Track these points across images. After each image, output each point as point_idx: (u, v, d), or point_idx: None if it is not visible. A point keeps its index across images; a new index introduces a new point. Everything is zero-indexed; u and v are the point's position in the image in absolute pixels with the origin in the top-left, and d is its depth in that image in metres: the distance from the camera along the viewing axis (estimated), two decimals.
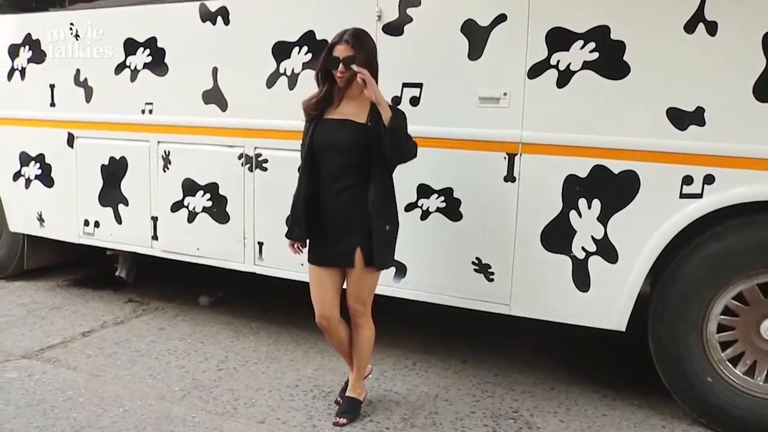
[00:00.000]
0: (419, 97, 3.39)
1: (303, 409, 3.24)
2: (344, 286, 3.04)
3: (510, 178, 3.24)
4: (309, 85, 3.05)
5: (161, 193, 4.26)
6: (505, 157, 3.24)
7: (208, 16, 3.94)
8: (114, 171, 4.43)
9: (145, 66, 4.20)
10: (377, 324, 3.11)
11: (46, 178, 4.76)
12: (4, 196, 5.03)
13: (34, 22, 4.71)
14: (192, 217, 4.16)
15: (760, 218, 2.91)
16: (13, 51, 4.78)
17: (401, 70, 3.42)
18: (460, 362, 3.84)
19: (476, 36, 3.24)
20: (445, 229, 3.42)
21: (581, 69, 3.05)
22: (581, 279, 3.17)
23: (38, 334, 4.17)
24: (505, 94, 3.21)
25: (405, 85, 3.42)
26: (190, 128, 4.08)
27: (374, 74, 2.84)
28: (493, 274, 3.35)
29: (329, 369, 3.66)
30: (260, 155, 3.87)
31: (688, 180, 2.94)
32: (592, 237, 3.13)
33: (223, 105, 3.95)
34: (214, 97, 3.97)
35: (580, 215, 3.14)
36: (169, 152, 4.19)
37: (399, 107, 3.00)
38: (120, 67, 4.29)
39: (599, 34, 3.00)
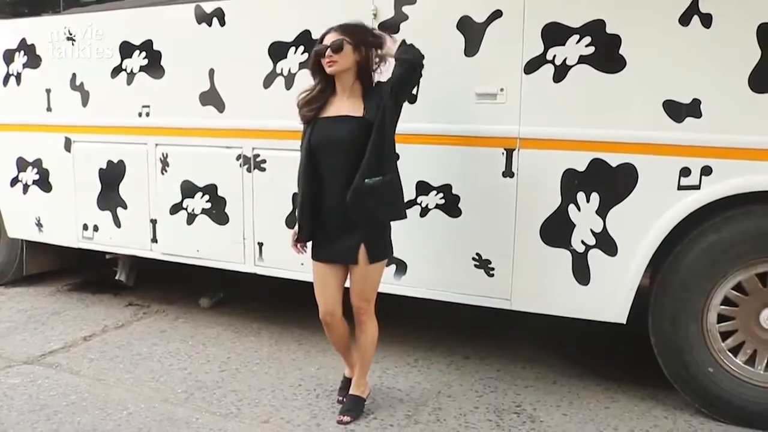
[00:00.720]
0: (416, 95, 3.39)
1: (306, 408, 3.24)
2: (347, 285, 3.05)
3: (508, 173, 3.25)
4: (306, 85, 3.05)
5: (160, 196, 4.27)
6: (503, 153, 3.25)
7: (203, 17, 3.94)
8: (112, 174, 4.43)
9: (142, 69, 4.20)
10: (378, 322, 3.12)
11: (43, 183, 4.76)
12: (1, 202, 5.02)
13: (29, 27, 4.71)
14: (191, 219, 4.16)
15: (758, 208, 2.93)
16: (8, 56, 4.78)
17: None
18: (462, 358, 3.85)
19: (472, 32, 3.26)
20: (445, 226, 3.43)
21: (577, 63, 3.06)
22: (581, 272, 3.19)
23: (39, 340, 4.17)
24: (502, 89, 3.22)
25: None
26: (188, 130, 4.09)
27: (365, 62, 2.89)
28: (493, 269, 3.36)
29: (332, 368, 3.67)
30: (258, 156, 3.87)
31: (685, 172, 2.95)
32: (592, 230, 3.14)
33: (220, 106, 3.96)
34: (212, 98, 3.97)
35: (579, 209, 3.15)
36: (167, 155, 4.19)
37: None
38: (116, 71, 4.29)
39: (595, 29, 3.02)
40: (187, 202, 4.16)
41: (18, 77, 4.76)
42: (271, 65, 3.75)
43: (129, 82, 4.26)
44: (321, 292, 3.02)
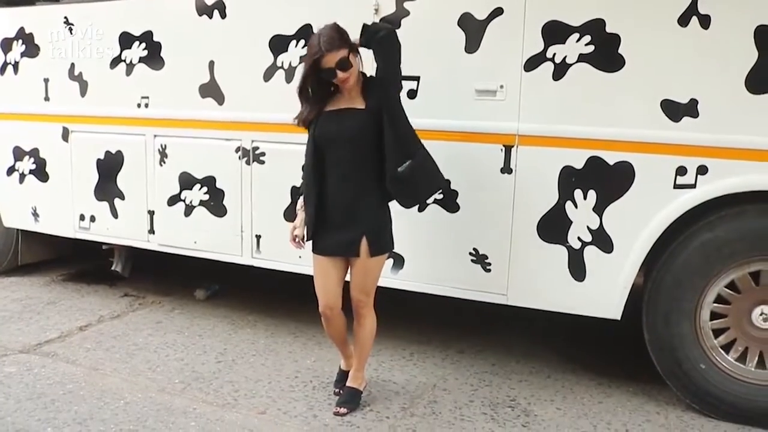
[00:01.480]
0: (416, 90, 3.42)
1: (303, 399, 3.27)
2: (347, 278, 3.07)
3: (507, 169, 3.28)
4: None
5: (158, 187, 4.27)
6: (501, 149, 3.28)
7: (204, 9, 3.94)
8: (110, 165, 4.43)
9: (141, 60, 4.20)
10: (376, 315, 3.14)
11: (40, 172, 4.75)
12: None
13: (27, 16, 4.70)
14: (189, 210, 4.17)
15: (752, 208, 2.97)
16: (6, 45, 4.77)
17: None
18: (458, 352, 3.89)
19: (473, 29, 3.28)
20: (443, 221, 3.46)
21: (577, 62, 3.09)
22: (577, 269, 3.22)
23: (35, 329, 4.17)
24: (501, 86, 3.25)
25: (402, 78, 3.42)
26: (187, 122, 4.09)
27: (355, 52, 2.89)
28: (490, 264, 3.39)
29: (327, 360, 3.69)
30: (257, 148, 3.89)
31: (681, 171, 2.99)
32: (588, 227, 3.18)
33: (220, 98, 3.97)
34: (211, 90, 3.98)
35: (576, 206, 3.19)
36: (165, 146, 4.20)
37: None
38: (115, 61, 4.29)
39: (594, 28, 3.05)
40: (185, 193, 4.17)
41: (16, 66, 4.75)
42: (272, 58, 3.76)
43: (128, 72, 4.26)
44: (321, 285, 3.04)
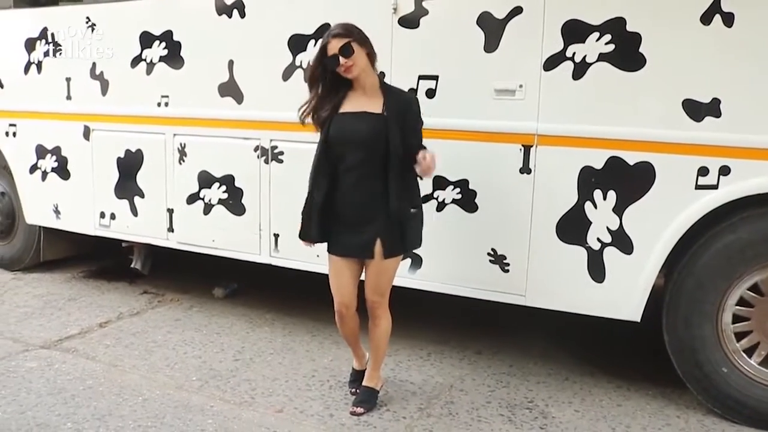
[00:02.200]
0: (435, 90, 3.41)
1: (320, 398, 3.27)
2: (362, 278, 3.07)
3: (525, 169, 3.26)
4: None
5: (177, 186, 4.30)
6: (520, 149, 3.25)
7: (224, 9, 3.96)
8: (130, 163, 4.47)
9: (161, 59, 4.23)
10: (392, 315, 3.13)
11: (62, 170, 4.81)
12: (20, 189, 5.08)
13: (50, 16, 4.75)
14: (208, 209, 4.19)
15: None
16: (30, 45, 4.83)
17: (417, 63, 3.44)
18: (475, 353, 3.87)
19: (492, 28, 3.26)
20: (461, 221, 3.44)
21: (597, 61, 3.06)
22: (596, 270, 3.19)
23: (56, 325, 4.22)
24: (520, 86, 3.22)
25: (421, 77, 3.44)
26: (206, 121, 4.12)
27: (372, 54, 2.89)
28: (508, 265, 3.37)
29: (345, 359, 3.69)
30: (276, 147, 3.90)
31: (703, 171, 2.95)
32: (608, 228, 3.14)
33: (239, 98, 3.98)
34: (230, 89, 4.00)
35: (595, 206, 3.15)
36: (184, 145, 4.23)
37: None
38: (136, 61, 4.33)
39: (615, 26, 3.01)
40: (204, 192, 4.20)
41: (39, 66, 4.81)
42: (291, 57, 3.77)
43: (148, 72, 4.29)
44: (337, 284, 3.04)
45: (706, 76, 2.91)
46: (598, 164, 3.12)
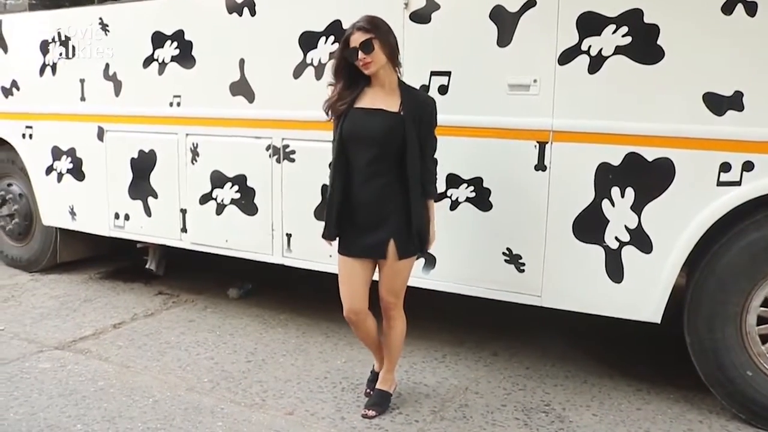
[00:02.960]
0: (448, 86, 3.34)
1: (332, 401, 3.22)
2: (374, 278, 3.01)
3: (541, 166, 3.18)
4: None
5: (190, 186, 4.28)
6: (535, 146, 3.17)
7: (234, 7, 3.93)
8: (143, 164, 4.46)
9: (173, 59, 4.21)
10: (406, 316, 3.07)
11: (77, 171, 4.81)
12: (37, 191, 5.10)
13: (64, 18, 4.76)
14: (220, 209, 4.17)
15: None
16: (44, 47, 4.84)
17: (429, 59, 3.38)
18: (491, 355, 3.79)
19: (505, 22, 3.18)
20: (475, 220, 3.37)
21: (613, 54, 2.97)
22: (614, 269, 3.10)
23: (71, 326, 4.22)
24: (535, 81, 3.14)
25: (433, 73, 3.37)
26: (218, 120, 4.09)
27: (395, 53, 2.83)
28: (524, 264, 3.29)
29: (358, 361, 3.64)
30: (288, 146, 3.86)
31: (725, 167, 2.84)
32: (626, 226, 3.05)
33: (250, 96, 3.95)
34: (242, 88, 3.97)
35: (613, 204, 3.06)
36: (197, 144, 4.21)
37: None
38: (148, 61, 4.32)
39: (632, 18, 2.92)
40: (216, 192, 4.17)
41: (54, 67, 4.82)
42: (302, 55, 3.73)
43: (160, 72, 4.28)
44: (347, 289, 2.96)
45: (728, 68, 2.81)
46: (616, 161, 3.03)
